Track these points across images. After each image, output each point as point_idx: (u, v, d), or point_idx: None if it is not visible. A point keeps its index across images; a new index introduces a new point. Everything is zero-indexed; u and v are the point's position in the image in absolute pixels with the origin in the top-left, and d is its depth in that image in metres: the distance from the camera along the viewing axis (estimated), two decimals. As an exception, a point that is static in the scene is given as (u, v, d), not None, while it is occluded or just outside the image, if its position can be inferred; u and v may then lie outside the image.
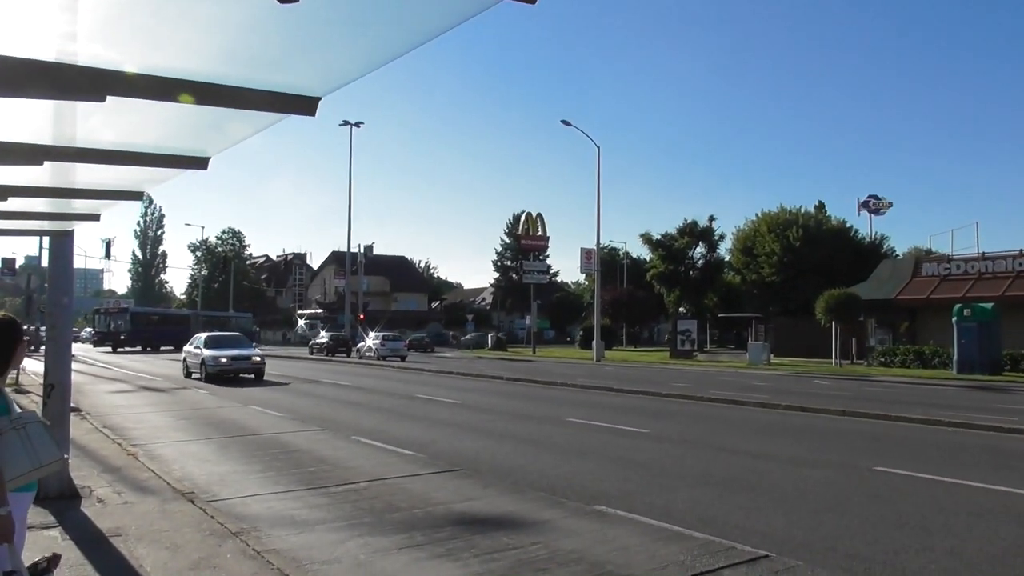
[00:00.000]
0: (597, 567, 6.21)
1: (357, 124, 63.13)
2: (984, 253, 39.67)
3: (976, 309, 31.99)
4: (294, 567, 5.98)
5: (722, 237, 66.51)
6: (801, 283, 53.76)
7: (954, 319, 32.09)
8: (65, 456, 3.57)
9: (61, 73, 3.23)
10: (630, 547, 6.82)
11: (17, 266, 57.28)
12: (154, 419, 16.17)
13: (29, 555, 5.92)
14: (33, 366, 25.62)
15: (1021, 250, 37.80)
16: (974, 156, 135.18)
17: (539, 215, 63.35)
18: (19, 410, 3.65)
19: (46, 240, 8.79)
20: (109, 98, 3.37)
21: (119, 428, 14.19)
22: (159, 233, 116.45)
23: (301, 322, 57.53)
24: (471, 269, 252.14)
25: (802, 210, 61.97)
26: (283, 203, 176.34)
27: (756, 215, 63.10)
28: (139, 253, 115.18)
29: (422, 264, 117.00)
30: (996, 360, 31.16)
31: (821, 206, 66.97)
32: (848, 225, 63.05)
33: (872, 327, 41.64)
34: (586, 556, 6.51)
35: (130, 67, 3.28)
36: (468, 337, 69.78)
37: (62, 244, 8.26)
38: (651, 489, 9.30)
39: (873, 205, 66.07)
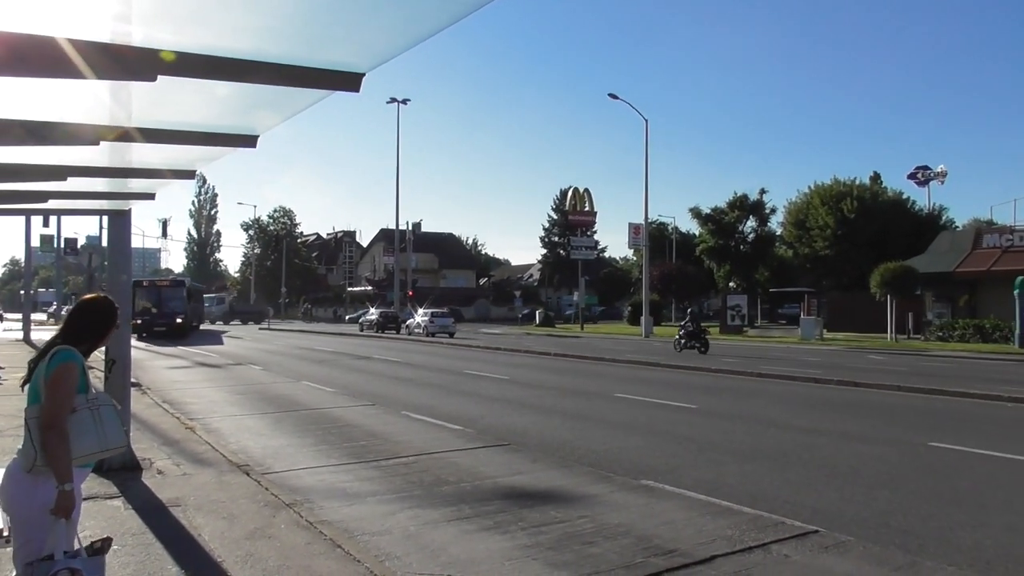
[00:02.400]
0: (644, 541, 6.23)
1: (404, 101, 63.37)
2: (1049, 224, 38.28)
3: (1040, 281, 30.97)
4: (345, 538, 6.12)
5: (773, 210, 65.15)
6: (855, 256, 52.57)
7: (1016, 292, 31.10)
8: (125, 443, 3.68)
9: (117, 53, 3.31)
10: (677, 521, 6.82)
11: (79, 246, 59.15)
12: (210, 394, 16.61)
13: (93, 522, 6.19)
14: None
15: (1089, 220, 36.38)
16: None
17: (586, 190, 62.95)
18: (95, 391, 3.78)
19: (105, 220, 9.00)
20: (161, 78, 3.45)
21: (177, 403, 14.62)
22: (213, 212, 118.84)
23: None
24: (519, 245, 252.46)
25: (856, 181, 60.35)
26: (333, 181, 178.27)
27: (808, 187, 61.69)
28: (194, 232, 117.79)
29: (470, 241, 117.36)
30: (1061, 334, 30.17)
31: (876, 177, 65.15)
32: (905, 196, 61.36)
33: (930, 301, 40.58)
34: (633, 530, 6.53)
35: (180, 47, 3.34)
36: (525, 312, 69.91)
37: (120, 223, 8.49)
38: (699, 464, 9.27)
39: (923, 176, 64.14)
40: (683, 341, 29.64)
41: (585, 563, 5.70)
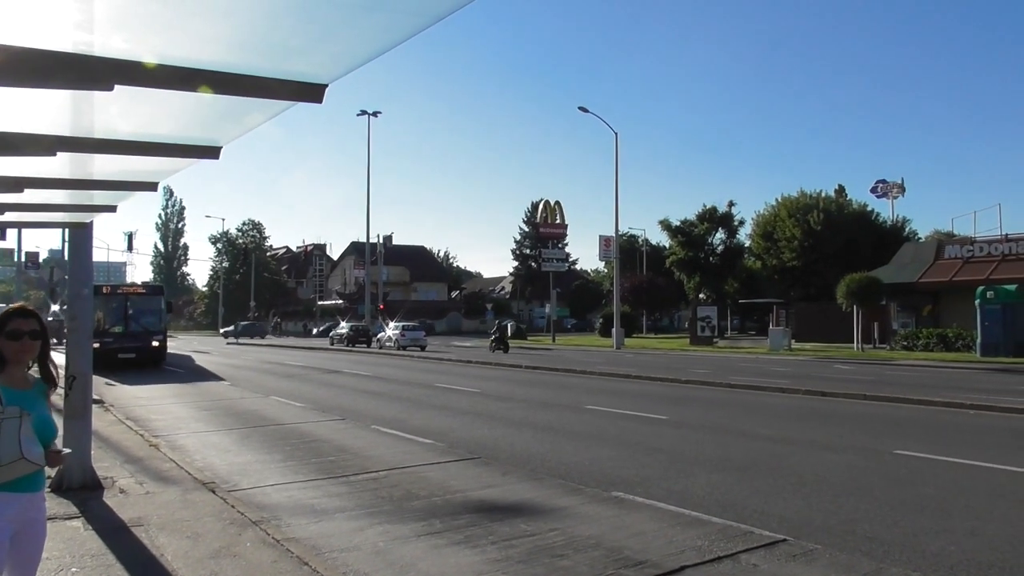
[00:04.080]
0: (614, 552, 6.22)
1: (375, 114, 63.19)
2: (1007, 235, 39.17)
3: (1000, 291, 31.59)
4: (313, 555, 6.03)
5: (742, 223, 65.85)
6: (822, 268, 53.28)
7: (977, 302, 31.72)
8: (26, 457, 3.42)
9: (77, 63, 3.25)
10: (648, 532, 6.82)
11: (40, 260, 58.10)
12: (176, 410, 16.36)
13: (51, 543, 6.02)
14: (57, 358, 25.97)
15: (1046, 231, 37.25)
16: (996, 138, 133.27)
17: (557, 203, 63.22)
18: (4, 407, 3.40)
19: (68, 233, 8.84)
20: (122, 89, 3.39)
21: (141, 419, 14.37)
22: (180, 225, 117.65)
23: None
24: (490, 258, 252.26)
25: (823, 194, 61.33)
26: (303, 194, 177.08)
27: (776, 200, 62.55)
28: (161, 246, 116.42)
29: (441, 254, 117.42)
30: (1021, 342, 30.74)
31: (841, 190, 66.28)
32: (869, 209, 62.43)
33: (894, 311, 41.24)
34: (603, 542, 6.52)
35: (142, 57, 3.29)
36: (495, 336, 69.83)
37: (81, 236, 8.35)
38: (669, 475, 9.29)
39: (882, 189, 65.38)
40: (493, 345, 39.91)
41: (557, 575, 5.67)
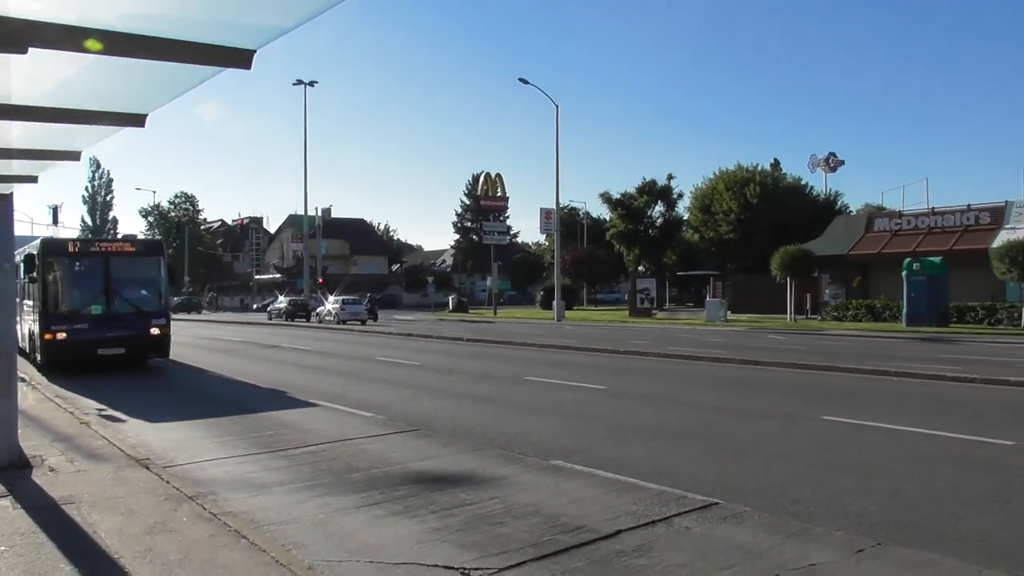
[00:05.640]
0: (552, 519, 6.33)
1: (311, 83, 62.14)
2: (933, 208, 40.51)
3: (925, 263, 32.74)
4: (251, 528, 6.00)
5: (680, 196, 66.87)
6: (758, 240, 54.39)
7: (904, 273, 32.81)
8: None
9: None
10: (585, 499, 6.95)
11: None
12: (108, 386, 15.93)
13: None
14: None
15: (968, 205, 38.70)
16: (924, 114, 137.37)
17: (498, 175, 63.01)
18: None
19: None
20: (40, 54, 3.27)
21: (71, 398, 13.96)
22: (108, 199, 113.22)
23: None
24: (431, 231, 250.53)
25: (759, 168, 62.49)
26: (238, 167, 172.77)
27: (714, 173, 63.40)
28: (88, 219, 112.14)
29: (381, 227, 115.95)
30: (944, 312, 32.03)
31: (776, 164, 67.77)
32: (804, 183, 63.87)
33: (826, 282, 42.50)
34: (542, 509, 6.63)
35: (59, 18, 3.17)
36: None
37: (1, 208, 8.03)
38: (607, 443, 9.46)
39: (832, 162, 67.21)
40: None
41: (494, 543, 5.75)
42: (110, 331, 17.93)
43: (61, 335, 17.38)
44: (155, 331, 18.58)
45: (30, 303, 19.04)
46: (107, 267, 18.22)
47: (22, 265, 17.18)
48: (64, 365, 17.56)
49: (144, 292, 19.00)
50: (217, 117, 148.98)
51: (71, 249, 18.62)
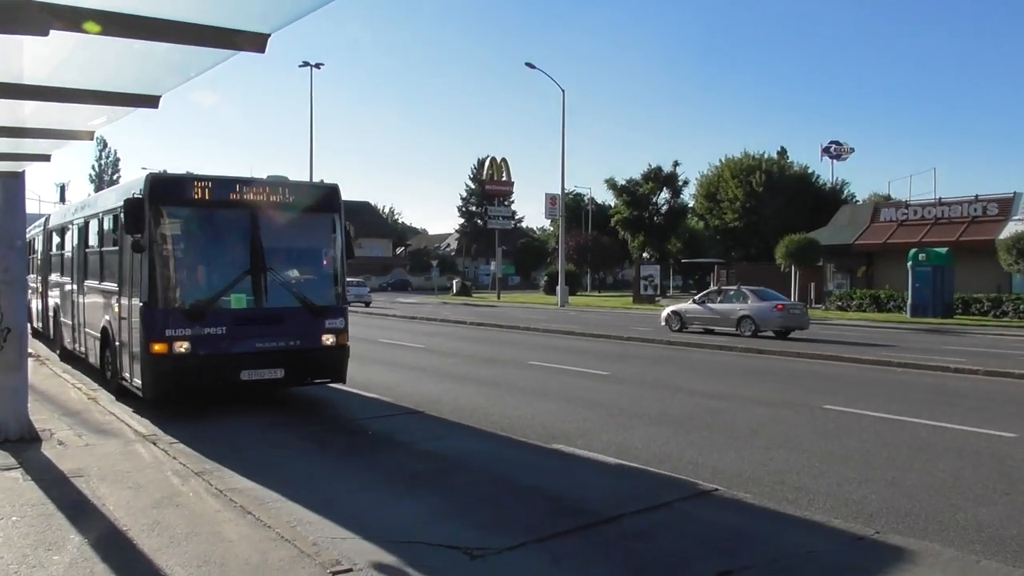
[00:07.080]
0: (554, 502, 6.41)
1: (317, 65, 61.57)
2: (940, 199, 40.42)
3: (931, 254, 32.68)
4: (256, 505, 6.08)
5: (686, 183, 66.77)
6: (763, 228, 54.38)
7: (909, 263, 32.77)
8: None
9: (11, 6, 3.15)
10: (587, 483, 7.04)
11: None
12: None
13: (-10, 495, 5.95)
14: None
15: (976, 196, 38.55)
16: (934, 103, 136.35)
17: (504, 160, 62.91)
18: None
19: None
20: (58, 35, 3.31)
21: (80, 374, 14.06)
22: (115, 177, 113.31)
23: None
24: (436, 215, 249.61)
25: (765, 156, 62.32)
26: (244, 148, 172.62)
27: (720, 161, 63.38)
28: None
29: (386, 210, 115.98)
30: (949, 304, 32.00)
31: (783, 152, 67.39)
32: (810, 171, 63.71)
33: (831, 271, 42.45)
34: (544, 492, 6.71)
35: (81, 2, 3.21)
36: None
37: (13, 186, 8.08)
38: (609, 428, 9.54)
39: (835, 151, 66.78)
40: None
41: (497, 524, 5.84)
42: (261, 339, 10.22)
43: (182, 346, 9.73)
44: (328, 339, 10.76)
45: (55, 277, 15.47)
46: (254, 228, 10.39)
47: (105, 221, 11.96)
48: (185, 394, 10.38)
49: (314, 273, 11.23)
50: (226, 99, 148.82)
51: (198, 194, 10.16)
